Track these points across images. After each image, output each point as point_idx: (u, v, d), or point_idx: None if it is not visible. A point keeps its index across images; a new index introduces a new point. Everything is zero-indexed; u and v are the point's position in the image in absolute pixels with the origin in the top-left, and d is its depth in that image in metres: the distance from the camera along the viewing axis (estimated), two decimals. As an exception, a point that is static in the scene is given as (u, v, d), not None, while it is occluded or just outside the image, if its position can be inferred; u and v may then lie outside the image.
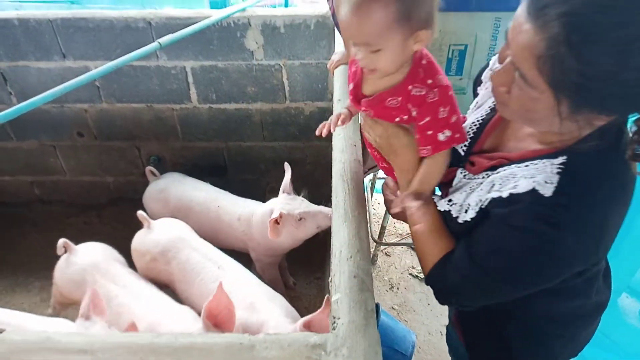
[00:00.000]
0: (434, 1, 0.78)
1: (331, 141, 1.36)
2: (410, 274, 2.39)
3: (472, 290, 0.89)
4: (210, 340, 0.77)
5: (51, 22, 2.23)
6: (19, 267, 2.48)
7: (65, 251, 1.83)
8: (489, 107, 0.95)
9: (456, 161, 0.97)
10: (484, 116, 0.96)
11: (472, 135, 0.96)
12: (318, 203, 1.89)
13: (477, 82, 1.03)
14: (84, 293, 1.38)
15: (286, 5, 2.65)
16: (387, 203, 1.11)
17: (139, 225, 1.93)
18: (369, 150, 1.11)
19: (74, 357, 0.74)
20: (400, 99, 0.88)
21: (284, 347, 0.74)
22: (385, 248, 2.53)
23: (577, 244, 0.74)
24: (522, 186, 0.76)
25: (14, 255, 2.55)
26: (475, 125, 0.96)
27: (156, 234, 1.85)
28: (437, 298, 0.98)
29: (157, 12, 2.22)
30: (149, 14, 2.19)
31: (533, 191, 0.74)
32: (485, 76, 0.98)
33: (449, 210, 0.92)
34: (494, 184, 0.83)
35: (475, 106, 1.00)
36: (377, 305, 1.53)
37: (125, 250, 1.93)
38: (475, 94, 1.03)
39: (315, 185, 2.30)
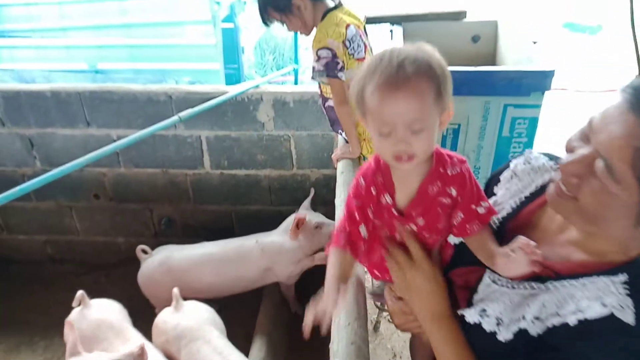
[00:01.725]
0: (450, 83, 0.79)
1: (334, 206, 1.47)
2: (413, 341, 2.39)
3: None
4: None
5: (80, 94, 2.44)
6: (25, 326, 2.51)
7: (80, 304, 1.86)
8: (511, 207, 0.89)
9: (475, 260, 0.86)
10: (505, 215, 0.89)
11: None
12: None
13: (494, 181, 0.97)
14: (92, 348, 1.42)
15: (296, 83, 2.87)
16: (392, 313, 1.00)
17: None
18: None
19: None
20: (440, 183, 0.84)
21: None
22: (387, 315, 2.55)
23: None
24: (593, 311, 0.66)
25: (21, 313, 2.59)
26: (495, 224, 0.89)
27: (179, 317, 1.82)
28: None
29: (177, 87, 2.43)
30: (170, 89, 2.39)
31: (612, 318, 0.64)
32: (506, 177, 0.93)
33: (479, 323, 0.79)
34: (544, 305, 0.72)
35: (493, 205, 0.92)
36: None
37: (131, 311, 1.99)
38: (490, 193, 0.96)
39: (325, 204, 2.44)
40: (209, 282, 2.19)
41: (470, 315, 0.80)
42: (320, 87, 1.85)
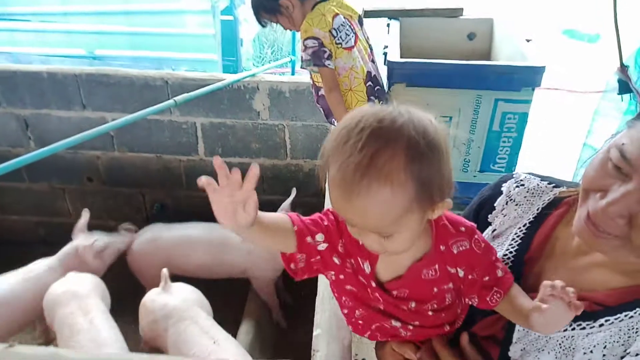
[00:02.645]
0: (450, 163, 0.65)
1: (324, 198, 1.49)
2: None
3: None
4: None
5: (76, 76, 2.44)
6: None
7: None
8: (518, 236, 0.81)
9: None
10: (516, 248, 0.80)
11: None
12: None
13: (487, 208, 0.88)
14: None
15: (292, 73, 2.90)
16: None
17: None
18: None
19: (77, 372, 0.82)
20: (437, 266, 0.72)
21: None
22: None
23: None
24: None
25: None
26: (509, 259, 0.79)
27: (167, 297, 1.85)
28: None
29: (174, 73, 2.44)
30: (166, 74, 2.41)
31: None
32: (501, 203, 0.85)
33: None
34: (605, 346, 0.64)
35: (491, 235, 0.85)
36: (363, 360, 1.58)
37: (120, 294, 2.03)
38: (483, 221, 0.88)
39: (306, 208, 2.42)
40: (196, 262, 2.22)
41: None
42: (312, 76, 1.88)
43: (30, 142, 2.62)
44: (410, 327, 0.77)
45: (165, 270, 1.88)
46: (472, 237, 0.72)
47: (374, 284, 0.73)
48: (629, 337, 0.63)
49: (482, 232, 0.81)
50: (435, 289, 0.72)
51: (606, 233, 0.62)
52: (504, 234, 0.83)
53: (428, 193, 0.61)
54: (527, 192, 0.82)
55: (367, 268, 0.72)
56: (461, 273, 0.72)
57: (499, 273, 0.72)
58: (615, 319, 0.65)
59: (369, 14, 2.26)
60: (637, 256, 0.62)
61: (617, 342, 0.63)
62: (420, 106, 0.64)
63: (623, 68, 1.15)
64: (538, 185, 0.81)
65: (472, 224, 0.75)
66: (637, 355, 0.61)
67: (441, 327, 0.78)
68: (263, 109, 2.44)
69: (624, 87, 1.15)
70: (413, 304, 0.74)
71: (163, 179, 2.69)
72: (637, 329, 0.63)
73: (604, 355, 0.63)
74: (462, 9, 2.29)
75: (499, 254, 0.79)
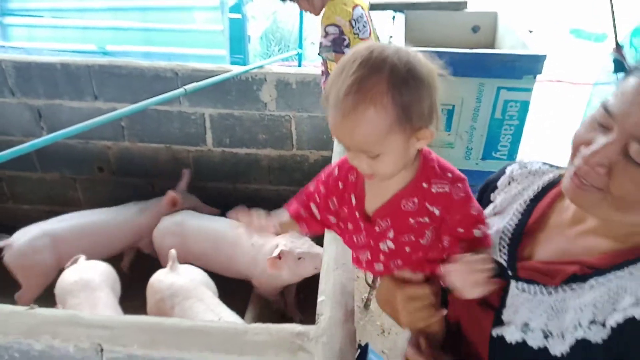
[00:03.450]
0: (434, 95, 0.70)
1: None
2: (402, 322, 2.45)
3: None
4: (209, 324, 0.90)
5: (89, 67, 2.51)
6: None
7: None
8: (518, 211, 0.83)
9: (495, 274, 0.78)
10: (516, 222, 0.82)
11: (508, 242, 0.81)
12: (320, 244, 2.04)
13: (490, 187, 0.93)
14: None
15: (299, 65, 2.94)
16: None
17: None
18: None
19: (96, 331, 0.87)
20: (416, 200, 0.77)
21: (272, 333, 0.87)
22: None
23: None
24: None
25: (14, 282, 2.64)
26: (508, 230, 0.82)
27: (174, 277, 1.90)
28: None
29: (184, 64, 2.50)
30: (176, 66, 2.46)
31: None
32: (503, 182, 0.89)
33: (524, 341, 0.71)
34: (595, 305, 0.67)
35: (493, 211, 0.88)
36: (367, 345, 1.62)
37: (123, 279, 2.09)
38: (486, 200, 0.92)
39: None
40: (209, 254, 2.25)
41: (511, 334, 0.72)
42: (326, 64, 1.93)
43: (43, 132, 2.69)
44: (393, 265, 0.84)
45: (173, 251, 1.94)
46: (454, 183, 0.76)
47: (357, 214, 0.81)
48: (618, 295, 0.65)
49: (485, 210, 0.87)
50: (412, 221, 0.77)
51: (589, 185, 0.65)
52: (505, 210, 0.86)
53: (408, 117, 0.67)
54: (529, 173, 0.86)
55: (353, 200, 0.82)
56: (437, 212, 0.77)
57: (477, 233, 0.78)
58: (605, 279, 0.67)
59: (376, 6, 2.31)
60: (616, 209, 0.65)
61: (607, 301, 0.65)
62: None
63: (618, 47, 1.19)
64: (540, 167, 0.86)
65: (463, 176, 0.79)
66: (624, 310, 0.64)
67: (424, 266, 0.83)
68: (270, 100, 2.49)
69: (619, 66, 1.17)
70: (392, 234, 0.79)
71: (171, 170, 2.74)
72: (625, 287, 0.65)
73: (594, 313, 0.66)
74: (466, 2, 2.33)
75: (500, 226, 0.83)
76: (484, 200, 0.92)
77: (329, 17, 1.79)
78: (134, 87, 2.51)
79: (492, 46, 2.32)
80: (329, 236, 1.12)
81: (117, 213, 2.48)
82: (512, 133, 1.81)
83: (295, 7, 2.02)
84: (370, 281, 2.41)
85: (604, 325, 0.64)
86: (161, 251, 2.31)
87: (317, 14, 1.89)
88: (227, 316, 1.72)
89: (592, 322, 0.65)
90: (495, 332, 0.73)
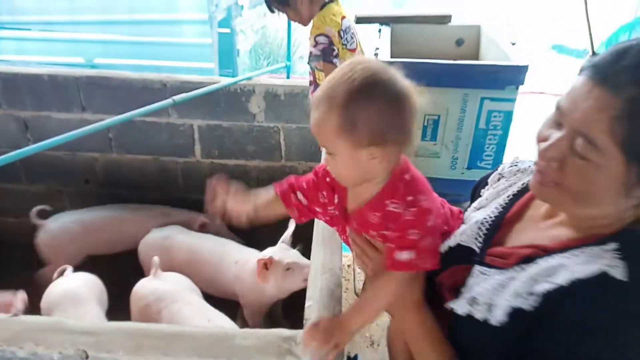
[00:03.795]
0: (398, 119, 0.76)
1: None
2: (391, 332, 2.45)
3: None
4: (196, 329, 0.90)
5: (77, 78, 2.51)
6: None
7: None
8: (500, 204, 0.88)
9: (465, 260, 0.85)
10: (497, 214, 0.87)
11: (485, 232, 0.86)
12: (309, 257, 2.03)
13: (482, 184, 0.99)
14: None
15: (288, 77, 2.97)
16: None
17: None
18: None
19: (80, 337, 0.86)
20: (379, 214, 0.83)
21: (260, 338, 0.87)
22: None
23: None
24: (585, 271, 0.66)
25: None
26: (487, 221, 0.87)
27: (158, 283, 1.90)
28: None
29: (172, 76, 2.51)
30: (165, 77, 2.47)
31: (604, 276, 0.65)
32: (493, 178, 0.95)
33: (471, 313, 0.77)
34: (535, 279, 0.71)
35: (478, 205, 0.94)
36: (356, 357, 1.61)
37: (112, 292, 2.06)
38: (477, 197, 0.98)
39: (306, 240, 2.44)
40: (193, 271, 2.18)
41: (460, 307, 0.79)
42: (314, 74, 1.96)
43: (29, 143, 2.66)
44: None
45: (156, 258, 1.94)
46: (408, 207, 0.81)
47: (336, 212, 0.93)
48: (556, 270, 0.69)
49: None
50: (374, 233, 0.86)
51: (548, 180, 0.70)
52: (489, 205, 0.92)
53: (353, 128, 0.75)
54: (518, 170, 0.92)
55: (336, 199, 0.92)
56: (388, 232, 0.84)
57: (400, 256, 0.82)
58: (550, 258, 0.72)
59: (361, 20, 2.35)
60: (574, 203, 0.69)
61: (545, 274, 0.70)
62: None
63: (594, 55, 1.23)
64: (530, 166, 0.90)
65: (427, 207, 0.83)
66: (549, 277, 0.69)
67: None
68: (259, 111, 2.51)
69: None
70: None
71: (159, 181, 2.73)
72: (565, 265, 0.69)
73: (530, 285, 0.70)
74: (450, 16, 2.39)
75: (480, 217, 0.88)
76: (476, 197, 0.98)
77: (319, 27, 1.84)
78: (122, 99, 2.51)
79: (476, 59, 2.37)
80: (317, 241, 1.13)
81: (144, 212, 2.56)
82: (496, 143, 1.85)
83: (283, 19, 2.06)
84: (359, 292, 2.41)
85: (536, 293, 0.69)
86: (146, 263, 2.28)
87: (305, 24, 1.94)
88: (217, 318, 1.71)
89: (530, 293, 0.70)
90: (449, 305, 0.81)
